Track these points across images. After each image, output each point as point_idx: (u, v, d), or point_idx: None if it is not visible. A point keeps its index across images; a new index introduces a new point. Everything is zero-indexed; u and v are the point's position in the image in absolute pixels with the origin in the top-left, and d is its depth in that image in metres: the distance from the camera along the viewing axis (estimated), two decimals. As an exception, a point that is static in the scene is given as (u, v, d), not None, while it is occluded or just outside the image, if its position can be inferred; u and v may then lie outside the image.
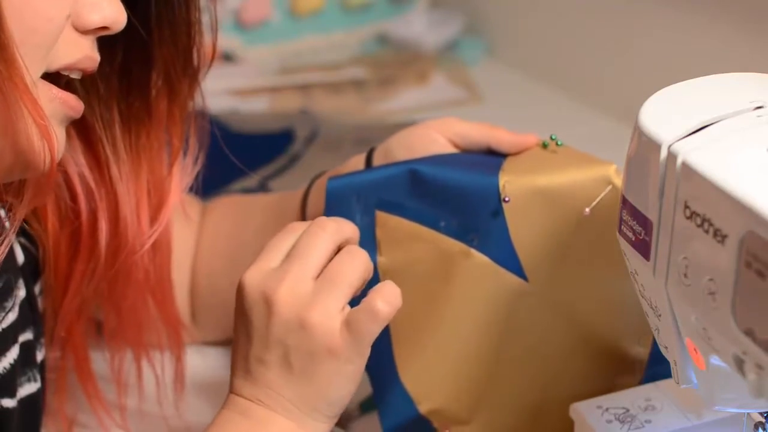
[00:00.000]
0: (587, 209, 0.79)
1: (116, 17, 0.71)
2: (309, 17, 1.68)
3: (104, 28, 0.71)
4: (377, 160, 0.89)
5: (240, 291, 0.73)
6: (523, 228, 0.81)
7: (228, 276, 0.96)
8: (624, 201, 0.66)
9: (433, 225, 0.83)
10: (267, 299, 0.71)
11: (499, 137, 0.87)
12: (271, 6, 1.65)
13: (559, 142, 0.85)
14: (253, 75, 1.60)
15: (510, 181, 0.81)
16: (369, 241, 0.84)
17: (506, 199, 0.81)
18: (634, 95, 0.69)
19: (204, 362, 0.99)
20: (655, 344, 0.69)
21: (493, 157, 0.86)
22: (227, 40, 1.63)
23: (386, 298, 0.71)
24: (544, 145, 0.85)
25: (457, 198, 0.82)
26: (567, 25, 1.52)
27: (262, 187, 1.26)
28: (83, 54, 0.71)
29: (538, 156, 0.85)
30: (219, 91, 1.51)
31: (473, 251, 0.82)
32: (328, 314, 0.70)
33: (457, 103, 1.52)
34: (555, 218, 0.81)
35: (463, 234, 0.82)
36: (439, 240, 0.83)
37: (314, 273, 0.72)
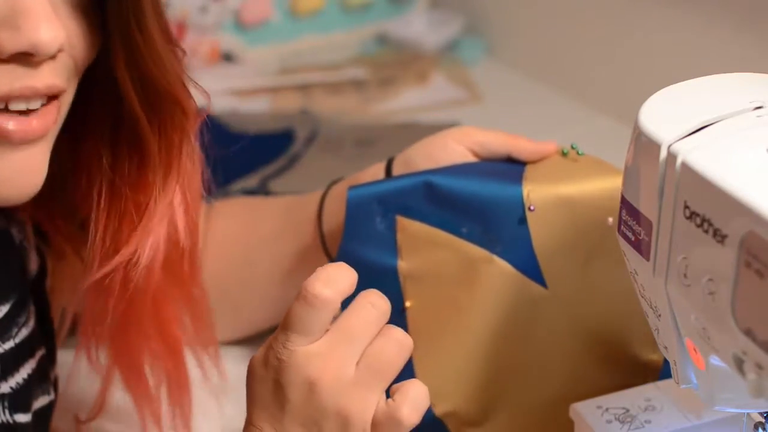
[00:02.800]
0: (610, 219, 0.80)
1: (38, 40, 0.64)
2: (309, 17, 1.68)
3: (25, 53, 0.65)
4: (397, 170, 0.89)
5: (281, 368, 0.68)
6: (545, 236, 0.82)
7: (237, 279, 0.96)
8: (624, 201, 0.66)
9: (455, 231, 0.83)
10: (311, 383, 0.67)
11: (519, 146, 0.86)
12: (271, 6, 1.65)
13: (580, 152, 0.85)
14: (253, 75, 1.60)
15: (534, 190, 0.82)
16: (389, 246, 0.84)
17: (531, 207, 0.81)
18: (634, 95, 0.69)
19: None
20: (667, 368, 0.69)
21: (513, 165, 0.86)
22: (227, 40, 1.63)
23: (413, 404, 0.68)
24: (564, 153, 0.85)
25: (479, 207, 0.82)
26: (567, 25, 1.52)
27: (262, 187, 1.26)
28: (12, 84, 0.65)
29: (560, 164, 0.85)
30: (219, 91, 1.51)
31: (495, 258, 0.82)
32: (367, 406, 0.68)
33: (457, 103, 1.52)
34: (577, 227, 0.81)
35: (485, 241, 0.83)
36: (461, 246, 0.83)
37: (359, 357, 0.69)
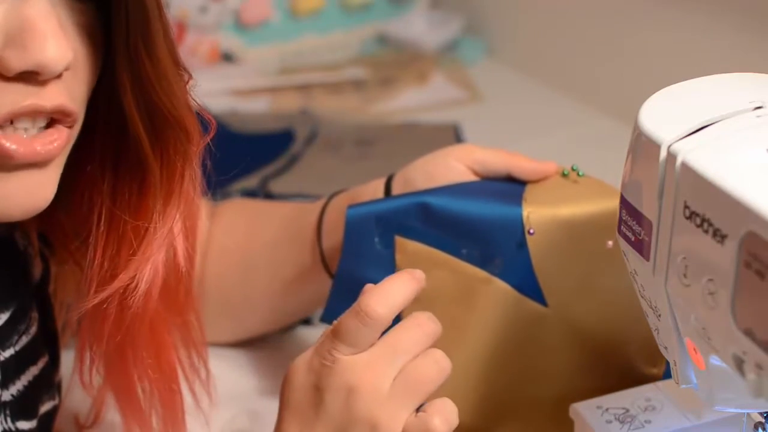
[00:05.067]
0: (610, 242, 0.80)
1: (44, 59, 0.62)
2: (309, 17, 1.68)
3: (31, 72, 0.63)
4: (396, 187, 0.88)
5: (323, 373, 0.71)
6: (545, 258, 0.82)
7: (237, 284, 0.96)
8: (624, 201, 0.66)
9: (454, 252, 0.83)
10: (349, 389, 0.70)
11: (520, 165, 0.86)
12: (271, 6, 1.66)
13: (580, 173, 0.85)
14: (253, 75, 1.60)
15: (533, 212, 0.82)
16: (388, 265, 0.84)
17: (531, 231, 0.81)
18: (634, 95, 0.69)
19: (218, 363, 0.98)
20: (667, 365, 0.69)
21: (512, 185, 0.86)
22: (227, 40, 1.63)
23: (444, 416, 0.70)
24: (564, 174, 0.85)
25: (478, 229, 0.83)
26: (567, 25, 1.52)
27: (262, 187, 1.26)
28: (17, 103, 0.63)
29: (560, 185, 0.85)
30: (219, 91, 1.51)
31: (494, 279, 0.83)
32: (397, 419, 0.70)
33: (457, 103, 1.52)
34: (577, 249, 0.82)
35: (484, 262, 0.83)
36: (460, 267, 0.83)
37: (398, 373, 0.71)
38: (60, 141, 0.66)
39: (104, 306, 0.74)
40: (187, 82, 0.73)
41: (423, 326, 0.73)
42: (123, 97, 0.69)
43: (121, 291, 0.73)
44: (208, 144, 0.77)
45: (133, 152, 0.72)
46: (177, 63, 0.71)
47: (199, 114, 0.75)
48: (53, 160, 0.67)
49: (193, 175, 0.75)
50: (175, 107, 0.71)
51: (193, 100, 0.73)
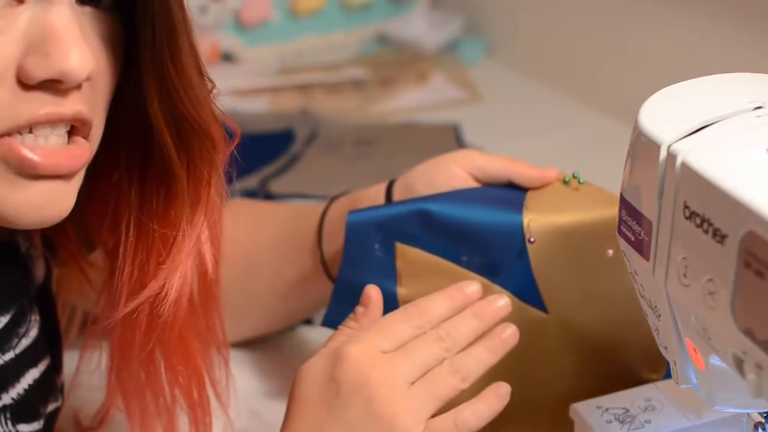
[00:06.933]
0: (610, 251, 0.80)
1: (68, 68, 0.63)
2: (309, 17, 1.68)
3: (53, 80, 0.63)
4: (397, 193, 0.88)
5: (341, 360, 0.73)
6: (545, 266, 0.82)
7: (239, 285, 0.96)
8: (624, 201, 0.66)
9: (455, 259, 0.83)
10: (366, 380, 0.72)
11: (521, 172, 0.86)
12: (271, 6, 1.66)
13: (581, 180, 0.85)
14: (253, 75, 1.60)
15: (534, 220, 0.82)
16: (389, 272, 0.84)
17: (531, 239, 0.81)
18: (634, 95, 0.69)
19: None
20: (667, 369, 0.69)
21: (513, 192, 0.86)
22: (227, 40, 1.63)
23: (473, 410, 0.75)
24: (565, 181, 0.85)
25: (479, 237, 0.83)
26: (567, 25, 1.52)
27: (262, 187, 1.26)
28: (37, 110, 0.64)
29: (561, 193, 0.85)
30: (219, 91, 1.51)
31: (495, 286, 0.83)
32: (419, 420, 0.72)
33: (457, 103, 1.52)
34: (578, 257, 0.82)
35: (485, 270, 0.83)
36: (460, 273, 0.83)
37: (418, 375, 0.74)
38: (84, 156, 0.67)
39: (135, 315, 0.74)
40: (211, 91, 0.73)
41: (442, 340, 0.76)
42: (149, 107, 0.69)
43: (152, 300, 0.73)
44: (233, 151, 0.77)
45: (159, 161, 0.72)
46: (201, 72, 0.71)
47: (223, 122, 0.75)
48: (77, 174, 0.67)
49: (219, 182, 0.75)
50: (201, 115, 0.71)
51: (217, 108, 0.73)
